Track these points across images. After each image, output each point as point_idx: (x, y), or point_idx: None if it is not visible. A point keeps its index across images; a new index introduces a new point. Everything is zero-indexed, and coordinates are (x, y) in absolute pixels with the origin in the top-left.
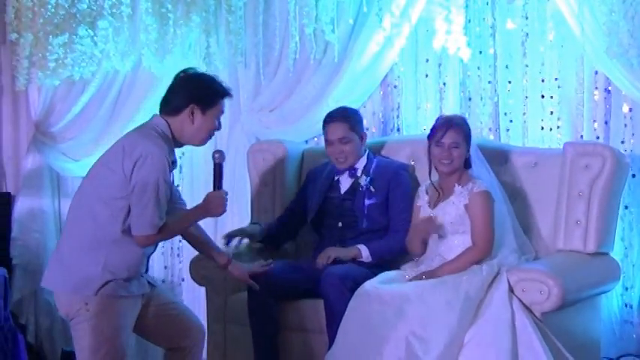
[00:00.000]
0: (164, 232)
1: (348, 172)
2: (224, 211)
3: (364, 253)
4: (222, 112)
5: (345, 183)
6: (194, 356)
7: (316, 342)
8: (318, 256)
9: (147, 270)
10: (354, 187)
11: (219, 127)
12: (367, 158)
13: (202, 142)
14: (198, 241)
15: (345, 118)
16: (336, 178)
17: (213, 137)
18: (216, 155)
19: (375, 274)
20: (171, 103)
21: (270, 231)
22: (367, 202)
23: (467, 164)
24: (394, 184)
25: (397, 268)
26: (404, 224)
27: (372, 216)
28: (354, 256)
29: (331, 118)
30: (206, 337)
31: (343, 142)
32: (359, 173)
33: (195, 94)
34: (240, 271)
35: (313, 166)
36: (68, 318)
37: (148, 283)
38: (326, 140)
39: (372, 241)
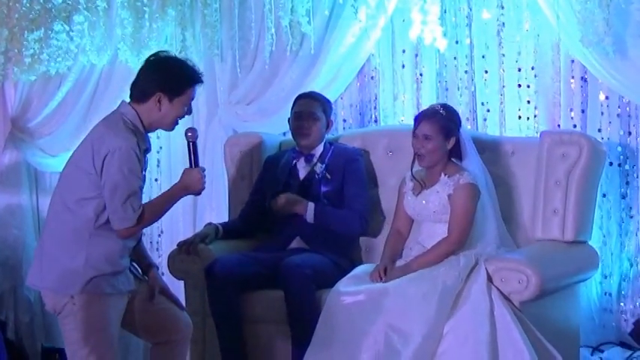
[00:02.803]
0: (143, 220)
1: (304, 158)
2: (203, 187)
3: (309, 211)
4: (191, 98)
5: (302, 170)
6: (180, 350)
7: (281, 332)
8: (273, 202)
9: (132, 261)
10: (311, 174)
11: (188, 113)
12: (324, 147)
13: (170, 128)
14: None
15: (319, 99)
16: (293, 162)
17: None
18: (189, 134)
19: (335, 263)
20: (138, 90)
21: (234, 226)
22: (323, 189)
23: (457, 155)
24: (349, 171)
25: (349, 255)
26: (358, 207)
27: (329, 202)
28: (299, 210)
29: (305, 94)
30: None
31: (312, 117)
32: (315, 160)
33: (162, 82)
34: (155, 282)
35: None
36: (55, 313)
37: (136, 277)
38: (295, 114)
39: (325, 206)
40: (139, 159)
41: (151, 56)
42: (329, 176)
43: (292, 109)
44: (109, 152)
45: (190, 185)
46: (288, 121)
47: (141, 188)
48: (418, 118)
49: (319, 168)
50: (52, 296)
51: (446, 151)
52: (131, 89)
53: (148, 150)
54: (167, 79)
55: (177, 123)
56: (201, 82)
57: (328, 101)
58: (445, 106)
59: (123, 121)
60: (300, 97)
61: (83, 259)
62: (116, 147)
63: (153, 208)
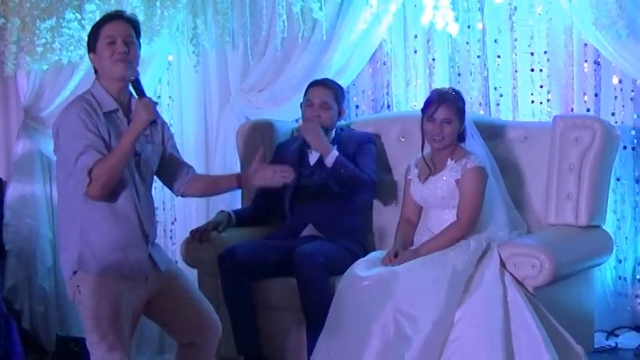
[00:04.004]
0: (94, 175)
1: None
2: (153, 110)
3: (330, 155)
4: (109, 36)
5: (313, 155)
6: (207, 352)
7: (295, 320)
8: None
9: (155, 237)
10: (321, 159)
11: (121, 51)
12: (335, 132)
13: (118, 74)
14: (207, 185)
15: (332, 87)
16: (304, 149)
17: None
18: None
19: (348, 250)
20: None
21: (246, 213)
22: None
23: (461, 137)
24: (360, 151)
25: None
26: (369, 173)
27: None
28: (322, 148)
29: (318, 82)
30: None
31: (324, 107)
32: None
33: (86, 47)
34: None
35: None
36: (73, 302)
37: (156, 266)
38: (307, 102)
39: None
40: (85, 120)
41: None
42: None
43: (305, 95)
44: (59, 126)
45: (138, 115)
46: (301, 106)
47: (92, 146)
48: (434, 103)
49: None
50: (67, 285)
51: (458, 134)
52: None
53: (115, 111)
54: (86, 42)
55: (120, 63)
56: (110, 18)
57: (341, 89)
58: (454, 89)
59: (82, 96)
60: (312, 84)
61: (79, 240)
62: (61, 122)
63: (103, 160)
